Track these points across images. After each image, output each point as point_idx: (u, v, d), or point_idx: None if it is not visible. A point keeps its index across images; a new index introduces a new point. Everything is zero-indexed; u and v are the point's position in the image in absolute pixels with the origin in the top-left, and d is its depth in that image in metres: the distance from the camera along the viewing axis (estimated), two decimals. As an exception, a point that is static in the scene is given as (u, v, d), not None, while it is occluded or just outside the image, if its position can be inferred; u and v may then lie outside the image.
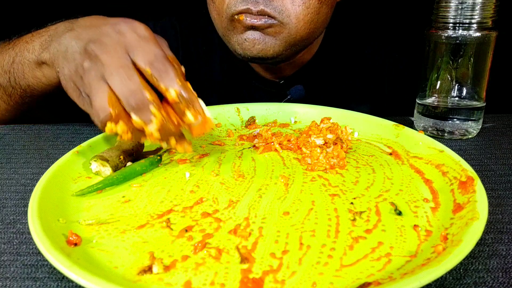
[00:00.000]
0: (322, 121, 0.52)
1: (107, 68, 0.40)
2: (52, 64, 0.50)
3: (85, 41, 0.43)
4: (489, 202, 0.35)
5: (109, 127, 0.40)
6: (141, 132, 0.41)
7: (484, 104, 0.55)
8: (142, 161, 0.46)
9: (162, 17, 0.79)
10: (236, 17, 0.58)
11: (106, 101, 0.39)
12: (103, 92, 0.40)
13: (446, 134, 0.56)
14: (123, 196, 0.41)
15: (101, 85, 0.40)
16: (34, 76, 0.55)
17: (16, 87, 0.58)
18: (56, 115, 0.66)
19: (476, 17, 0.51)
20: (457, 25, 0.51)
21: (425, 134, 0.51)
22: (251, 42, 0.59)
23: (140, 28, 0.42)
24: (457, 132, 0.56)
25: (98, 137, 0.50)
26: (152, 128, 0.40)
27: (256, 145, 0.51)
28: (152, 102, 0.39)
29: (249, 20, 0.57)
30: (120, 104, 0.40)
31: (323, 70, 0.74)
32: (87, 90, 0.41)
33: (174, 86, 0.39)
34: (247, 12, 0.57)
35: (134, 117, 0.40)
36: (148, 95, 0.39)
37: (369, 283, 0.28)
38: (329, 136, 0.49)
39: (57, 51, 0.47)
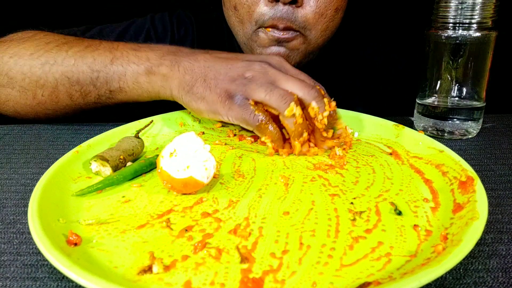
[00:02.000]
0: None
1: (277, 76, 0.48)
2: (176, 79, 0.52)
3: (243, 60, 0.51)
4: (489, 202, 0.35)
5: (292, 107, 0.46)
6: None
7: (484, 104, 0.55)
8: (142, 161, 0.46)
9: (176, 9, 0.78)
10: (262, 29, 0.59)
11: (287, 92, 0.47)
12: (279, 88, 0.47)
13: (446, 134, 0.56)
14: (123, 196, 0.41)
15: (275, 86, 0.47)
16: (137, 81, 0.55)
17: (101, 88, 0.56)
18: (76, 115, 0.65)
19: (476, 17, 0.51)
20: (457, 25, 0.51)
21: (425, 134, 0.51)
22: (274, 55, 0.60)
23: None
24: (457, 132, 0.56)
25: (98, 137, 0.50)
26: (326, 114, 0.47)
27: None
28: (323, 96, 0.48)
29: (276, 34, 0.59)
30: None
31: (325, 70, 0.74)
32: (254, 94, 0.47)
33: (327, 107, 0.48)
34: (273, 26, 0.59)
35: (314, 104, 0.47)
36: (321, 90, 0.49)
37: (369, 283, 0.28)
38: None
39: (191, 69, 0.52)
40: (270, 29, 0.59)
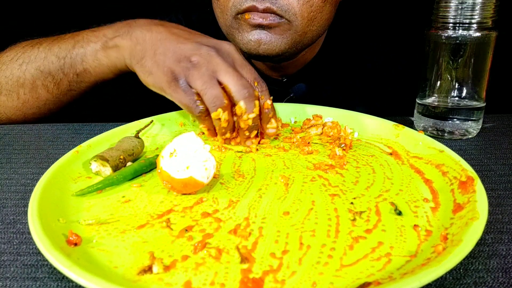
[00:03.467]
0: (313, 118, 0.57)
1: (219, 66, 0.48)
2: (127, 48, 0.55)
3: (191, 39, 0.52)
4: (489, 202, 0.35)
5: (218, 113, 0.48)
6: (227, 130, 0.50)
7: (484, 104, 0.55)
8: (142, 161, 0.46)
9: (168, 14, 0.78)
10: (241, 15, 0.58)
11: (221, 93, 0.47)
12: (217, 86, 0.48)
13: (446, 134, 0.56)
14: (123, 196, 0.41)
15: (213, 80, 0.48)
16: (96, 58, 0.59)
17: (69, 73, 0.61)
18: (56, 115, 0.66)
19: (476, 17, 0.51)
20: (457, 25, 0.51)
21: (425, 134, 0.51)
22: (256, 42, 0.59)
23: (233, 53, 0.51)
24: (457, 132, 0.56)
25: (98, 137, 0.50)
26: (251, 116, 0.48)
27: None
28: (257, 97, 0.49)
29: (256, 19, 0.57)
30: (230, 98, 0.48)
31: (325, 69, 0.74)
32: (194, 82, 0.48)
33: (268, 100, 0.50)
34: (252, 10, 0.57)
35: (242, 104, 0.48)
36: (255, 92, 0.49)
37: (369, 283, 0.28)
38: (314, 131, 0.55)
39: (143, 39, 0.53)
40: (250, 15, 0.57)
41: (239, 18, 0.58)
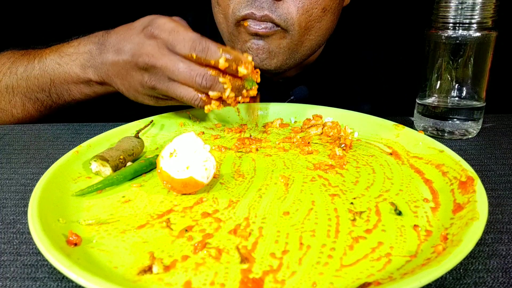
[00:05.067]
0: (313, 118, 0.57)
1: (167, 71, 0.47)
2: (104, 82, 0.56)
3: (128, 56, 0.50)
4: (489, 202, 0.35)
5: (208, 108, 0.49)
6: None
7: (484, 104, 0.55)
8: (142, 161, 0.46)
9: (163, 14, 0.78)
10: (241, 22, 0.58)
11: (191, 93, 0.48)
12: (181, 88, 0.48)
13: (446, 134, 0.56)
14: (123, 196, 0.41)
15: (175, 85, 0.48)
16: (82, 92, 0.60)
17: (59, 101, 0.62)
18: (56, 115, 0.66)
19: (476, 17, 0.51)
20: (457, 25, 0.51)
21: (425, 134, 0.51)
22: (254, 51, 0.59)
23: (165, 24, 0.48)
24: (457, 132, 0.56)
25: (98, 137, 0.50)
26: (228, 93, 0.47)
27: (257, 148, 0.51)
28: (217, 75, 0.47)
29: (253, 26, 0.57)
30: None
31: (326, 72, 0.74)
32: (165, 94, 0.50)
33: (220, 56, 0.46)
34: (251, 17, 0.57)
35: (211, 93, 0.47)
36: (210, 72, 0.47)
37: (369, 283, 0.28)
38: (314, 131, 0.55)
39: (105, 73, 0.54)
40: (248, 22, 0.57)
41: (240, 25, 0.59)
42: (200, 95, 0.48)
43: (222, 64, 0.46)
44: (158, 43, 0.48)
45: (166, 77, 0.48)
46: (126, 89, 0.54)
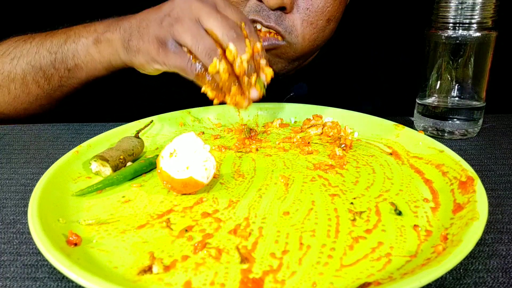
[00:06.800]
0: (313, 118, 0.57)
1: (200, 12, 0.45)
2: (119, 41, 0.53)
3: (164, 11, 0.48)
4: (489, 202, 0.35)
5: (215, 63, 0.44)
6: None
7: (484, 104, 0.55)
8: (142, 161, 0.46)
9: None
10: None
11: (213, 43, 0.44)
12: (206, 36, 0.44)
13: (446, 134, 0.56)
14: (123, 196, 0.41)
15: (201, 31, 0.45)
16: (88, 53, 0.57)
17: (60, 68, 0.59)
18: (56, 115, 0.66)
19: (476, 17, 0.51)
20: (457, 25, 0.51)
21: (425, 134, 0.51)
22: None
23: None
24: (457, 132, 0.56)
25: (98, 137, 0.50)
26: (245, 58, 0.44)
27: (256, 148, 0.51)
28: (246, 37, 0.45)
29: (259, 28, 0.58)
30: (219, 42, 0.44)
31: (326, 69, 0.74)
32: (182, 37, 0.45)
33: (259, 40, 0.46)
34: (257, 22, 0.57)
35: (231, 46, 0.44)
36: (243, 32, 0.45)
37: (369, 283, 0.28)
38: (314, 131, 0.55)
39: (129, 26, 0.51)
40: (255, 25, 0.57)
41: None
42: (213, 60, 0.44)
43: (258, 47, 0.45)
44: (207, 2, 0.46)
45: (196, 18, 0.45)
46: (144, 38, 0.49)
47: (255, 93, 0.46)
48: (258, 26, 0.57)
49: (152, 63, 0.49)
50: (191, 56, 0.45)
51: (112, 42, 0.54)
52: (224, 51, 0.44)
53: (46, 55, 0.59)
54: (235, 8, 0.47)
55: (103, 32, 0.56)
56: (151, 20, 0.49)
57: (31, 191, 0.37)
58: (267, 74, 0.46)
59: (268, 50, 0.58)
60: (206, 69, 0.45)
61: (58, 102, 0.64)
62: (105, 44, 0.55)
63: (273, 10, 0.56)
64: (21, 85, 0.61)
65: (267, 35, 0.58)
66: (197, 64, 0.45)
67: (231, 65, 0.45)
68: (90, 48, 0.57)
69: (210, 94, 0.46)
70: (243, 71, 0.44)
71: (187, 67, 0.46)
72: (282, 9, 0.56)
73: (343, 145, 0.50)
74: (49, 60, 0.59)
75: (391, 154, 0.49)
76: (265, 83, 0.47)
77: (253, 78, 0.45)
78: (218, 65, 0.44)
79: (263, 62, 0.46)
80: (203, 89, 0.47)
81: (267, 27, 0.57)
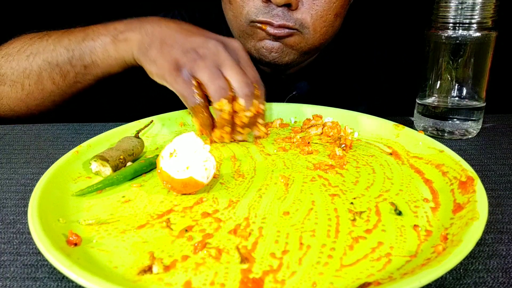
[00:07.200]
0: (313, 118, 0.57)
1: (225, 61, 0.49)
2: (136, 41, 0.55)
3: (191, 36, 0.52)
4: (489, 202, 0.35)
5: (222, 103, 0.48)
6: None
7: (484, 104, 0.55)
8: (142, 161, 0.46)
9: (171, 10, 0.78)
10: (258, 24, 0.60)
11: (227, 85, 0.48)
12: (222, 78, 0.48)
13: (446, 134, 0.56)
14: (123, 196, 0.41)
15: (218, 73, 0.48)
16: (105, 50, 0.58)
17: (77, 65, 0.60)
18: (56, 115, 0.66)
19: (476, 17, 0.51)
20: (457, 25, 0.51)
21: (425, 134, 0.51)
22: (268, 50, 0.62)
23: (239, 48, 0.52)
24: (457, 132, 0.56)
25: (98, 137, 0.50)
26: (248, 115, 0.49)
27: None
28: (256, 97, 0.50)
29: (272, 30, 0.59)
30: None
31: (328, 68, 0.74)
32: (199, 72, 0.48)
33: (263, 103, 0.51)
34: (268, 23, 0.59)
35: (241, 101, 0.49)
36: (256, 91, 0.50)
37: (369, 283, 0.28)
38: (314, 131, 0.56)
39: (152, 33, 0.54)
40: (266, 26, 0.59)
41: (254, 25, 0.60)
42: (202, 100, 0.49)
43: (261, 108, 0.51)
44: (233, 55, 0.50)
45: (217, 64, 0.49)
46: (164, 52, 0.52)
47: (240, 138, 0.52)
48: (271, 29, 0.59)
49: (159, 77, 0.52)
50: (197, 90, 0.49)
51: (129, 41, 0.56)
52: (233, 98, 0.49)
53: (64, 52, 0.60)
54: (254, 68, 0.52)
55: (123, 30, 0.57)
56: (177, 42, 0.52)
57: (31, 191, 0.37)
58: (260, 131, 0.52)
59: (283, 37, 0.60)
60: (203, 106, 0.49)
61: (71, 98, 0.64)
62: (122, 42, 0.57)
63: (280, 6, 0.57)
64: (36, 82, 0.61)
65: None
66: (198, 98, 0.49)
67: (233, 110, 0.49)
68: (108, 45, 0.58)
69: (197, 127, 0.52)
70: (241, 124, 0.50)
71: (188, 97, 0.49)
72: (288, 6, 0.58)
73: (343, 145, 0.50)
74: (66, 57, 0.60)
75: (391, 154, 0.49)
76: (254, 136, 0.53)
77: (246, 130, 0.52)
78: (225, 106, 0.48)
79: (260, 121, 0.52)
80: (192, 120, 0.52)
81: (278, 26, 0.59)
